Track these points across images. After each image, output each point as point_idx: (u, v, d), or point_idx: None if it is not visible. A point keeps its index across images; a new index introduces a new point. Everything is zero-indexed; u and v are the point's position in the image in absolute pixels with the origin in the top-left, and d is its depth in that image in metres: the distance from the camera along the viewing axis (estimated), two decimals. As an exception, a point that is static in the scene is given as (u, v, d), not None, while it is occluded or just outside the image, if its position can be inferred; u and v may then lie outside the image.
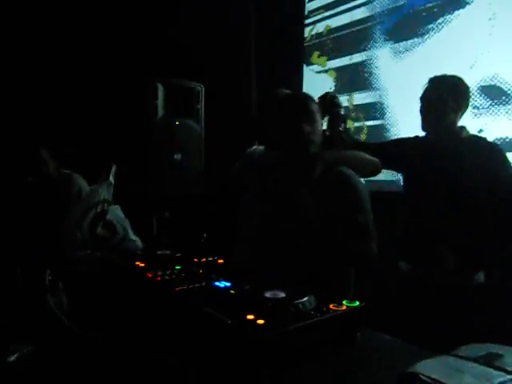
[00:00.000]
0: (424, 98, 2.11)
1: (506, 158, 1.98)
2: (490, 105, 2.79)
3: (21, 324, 1.13)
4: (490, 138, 2.75)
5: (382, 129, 3.40)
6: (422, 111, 2.13)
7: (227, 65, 3.48)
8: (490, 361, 0.78)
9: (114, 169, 1.97)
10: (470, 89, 2.58)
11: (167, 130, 2.77)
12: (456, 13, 3.01)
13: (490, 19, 2.82)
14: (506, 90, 2.74)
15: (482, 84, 2.80)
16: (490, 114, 2.78)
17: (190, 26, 3.51)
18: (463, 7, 2.98)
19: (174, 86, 2.84)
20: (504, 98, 2.75)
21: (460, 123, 2.09)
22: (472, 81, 2.81)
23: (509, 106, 2.72)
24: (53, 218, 2.24)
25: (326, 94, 1.91)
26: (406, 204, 2.19)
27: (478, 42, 2.86)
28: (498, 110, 2.76)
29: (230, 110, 3.33)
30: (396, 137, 3.15)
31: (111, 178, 1.96)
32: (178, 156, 2.72)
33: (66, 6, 3.27)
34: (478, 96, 2.84)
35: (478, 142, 2.04)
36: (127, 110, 3.01)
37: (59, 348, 1.05)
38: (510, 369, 0.76)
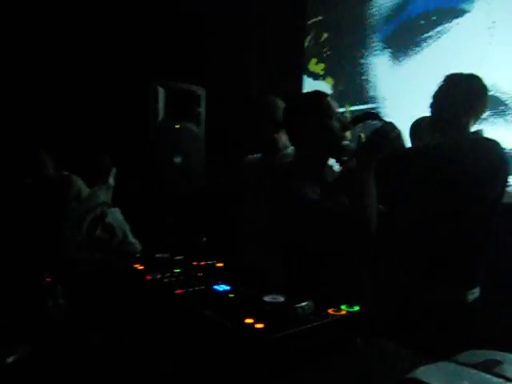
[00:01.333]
0: (436, 98, 1.93)
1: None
2: (489, 115, 2.67)
3: (19, 325, 1.12)
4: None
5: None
6: (432, 112, 1.92)
7: (228, 69, 3.49)
8: (489, 367, 0.78)
9: (113, 171, 1.97)
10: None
11: (168, 134, 2.78)
12: (455, 21, 2.94)
13: (489, 28, 2.77)
14: (504, 100, 2.68)
15: None
16: (489, 123, 2.66)
17: (192, 30, 3.52)
18: (462, 16, 2.91)
19: (175, 89, 2.85)
20: (502, 108, 2.68)
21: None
22: None
23: (506, 117, 2.65)
24: (51, 220, 2.24)
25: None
26: (404, 216, 2.11)
27: (477, 50, 2.78)
28: (496, 119, 2.70)
29: (230, 114, 3.34)
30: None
31: (111, 181, 1.96)
32: (178, 159, 2.72)
33: (67, 8, 3.28)
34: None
35: (492, 149, 1.84)
36: (128, 113, 3.02)
37: (57, 349, 1.04)
38: (508, 375, 0.76)
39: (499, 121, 2.68)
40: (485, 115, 2.60)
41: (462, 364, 0.79)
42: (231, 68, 3.49)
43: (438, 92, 1.93)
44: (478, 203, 1.78)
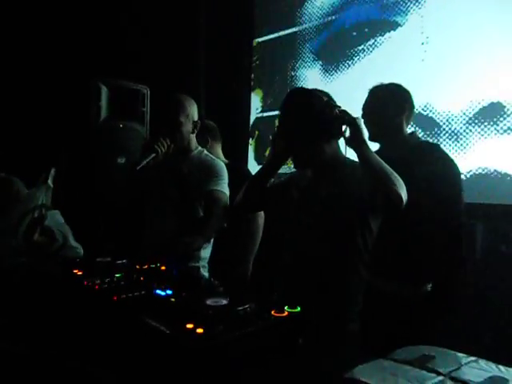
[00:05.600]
0: (365, 108, 2.00)
1: (456, 167, 1.89)
2: (423, 136, 2.54)
3: None
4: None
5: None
6: (365, 123, 2.03)
7: (174, 68, 3.43)
8: (423, 363, 0.81)
9: (52, 172, 1.88)
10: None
11: (111, 133, 2.69)
12: (387, 34, 2.78)
13: (422, 43, 2.61)
14: (438, 121, 2.53)
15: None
16: None
17: (138, 28, 3.43)
18: (395, 29, 2.75)
19: (118, 87, 2.76)
20: (435, 129, 2.54)
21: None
22: None
23: (441, 140, 2.49)
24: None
25: None
26: None
27: (410, 66, 2.62)
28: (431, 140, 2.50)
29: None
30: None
31: (50, 182, 1.87)
32: (121, 159, 2.64)
33: (7, 4, 3.11)
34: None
35: (429, 149, 1.94)
36: (69, 112, 2.89)
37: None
38: (441, 370, 0.78)
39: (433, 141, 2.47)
40: (420, 135, 2.50)
41: (398, 361, 0.81)
42: (177, 67, 3.43)
43: (366, 102, 1.99)
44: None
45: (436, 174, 1.83)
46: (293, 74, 3.37)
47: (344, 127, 1.49)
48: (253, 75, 3.67)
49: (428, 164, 1.84)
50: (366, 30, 2.89)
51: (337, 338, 1.37)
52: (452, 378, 0.77)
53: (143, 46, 3.34)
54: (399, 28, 2.74)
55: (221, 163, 2.04)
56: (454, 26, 2.48)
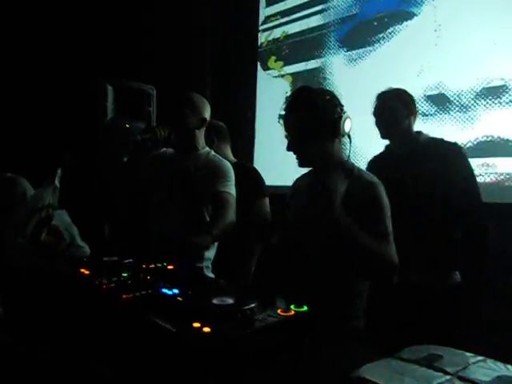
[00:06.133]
0: (376, 111, 2.15)
1: (465, 157, 2.04)
2: (436, 111, 2.93)
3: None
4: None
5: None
6: (377, 124, 2.16)
7: (181, 68, 3.44)
8: (430, 362, 0.80)
9: (59, 172, 1.88)
10: (417, 96, 2.66)
11: (117, 133, 2.69)
12: (404, 23, 3.16)
13: (435, 30, 2.97)
14: (449, 97, 2.88)
15: (428, 91, 2.94)
16: (436, 119, 2.92)
17: (144, 28, 3.44)
18: (411, 18, 3.12)
19: (124, 88, 2.76)
20: (448, 104, 2.89)
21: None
22: (419, 88, 2.96)
23: (452, 113, 2.86)
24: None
25: None
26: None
27: (424, 51, 2.99)
28: (442, 116, 2.91)
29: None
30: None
31: (56, 182, 1.87)
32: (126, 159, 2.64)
33: (17, 5, 3.13)
34: (425, 103, 2.97)
35: (437, 144, 2.08)
36: (75, 112, 2.91)
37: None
38: (448, 369, 0.78)
39: (445, 117, 2.88)
40: (432, 112, 2.94)
41: (405, 360, 0.81)
42: (183, 67, 3.44)
43: (376, 106, 2.16)
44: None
45: (451, 164, 1.98)
46: (320, 60, 3.70)
47: (347, 126, 1.51)
48: (282, 62, 4.01)
49: (441, 156, 1.98)
50: (386, 20, 3.27)
51: (343, 336, 1.36)
52: (460, 378, 0.76)
53: (150, 46, 3.35)
54: (415, 17, 3.10)
55: (228, 164, 2.03)
56: (463, 14, 2.83)
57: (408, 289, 1.80)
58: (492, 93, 2.70)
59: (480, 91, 2.76)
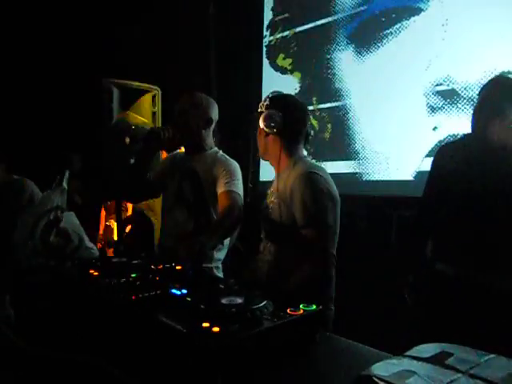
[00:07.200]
0: (483, 97, 1.98)
1: None
2: (443, 104, 2.97)
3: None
4: (443, 135, 2.92)
5: (345, 128, 3.48)
6: (479, 110, 1.98)
7: (186, 68, 3.44)
8: (441, 360, 0.79)
9: (67, 174, 1.89)
10: (426, 89, 2.63)
11: (123, 134, 2.70)
12: (412, 19, 3.19)
13: (442, 25, 3.00)
14: (457, 90, 2.93)
15: (436, 85, 3.00)
16: (443, 112, 2.96)
17: (149, 30, 3.45)
18: (418, 14, 3.16)
19: (130, 89, 2.77)
20: (455, 97, 2.94)
21: (414, 121, 2.00)
22: (426, 82, 3.01)
23: (460, 106, 2.91)
24: (2, 225, 2.14)
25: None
26: (444, 204, 2.00)
27: (432, 45, 3.04)
28: (450, 109, 2.94)
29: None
30: (363, 140, 3.23)
31: (64, 184, 1.89)
32: (133, 160, 2.65)
33: (22, 6, 3.15)
34: (433, 96, 3.00)
35: None
36: (81, 114, 2.92)
37: (11, 366, 0.99)
38: (460, 367, 0.77)
39: (453, 110, 2.93)
40: (440, 105, 2.98)
41: (416, 358, 0.80)
42: (189, 67, 3.45)
43: (485, 91, 1.99)
44: None
45: None
46: (328, 57, 3.74)
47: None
48: (291, 59, 4.04)
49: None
50: (393, 15, 3.31)
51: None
52: (471, 375, 0.75)
53: (155, 46, 3.36)
54: (422, 13, 3.14)
55: (235, 163, 2.03)
56: (469, 8, 2.88)
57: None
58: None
59: (488, 84, 2.80)
